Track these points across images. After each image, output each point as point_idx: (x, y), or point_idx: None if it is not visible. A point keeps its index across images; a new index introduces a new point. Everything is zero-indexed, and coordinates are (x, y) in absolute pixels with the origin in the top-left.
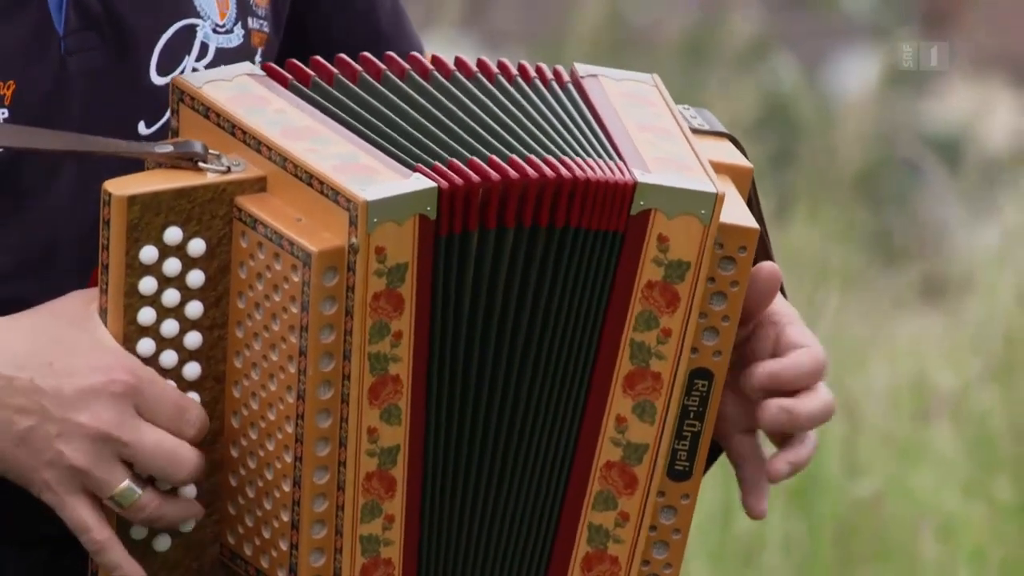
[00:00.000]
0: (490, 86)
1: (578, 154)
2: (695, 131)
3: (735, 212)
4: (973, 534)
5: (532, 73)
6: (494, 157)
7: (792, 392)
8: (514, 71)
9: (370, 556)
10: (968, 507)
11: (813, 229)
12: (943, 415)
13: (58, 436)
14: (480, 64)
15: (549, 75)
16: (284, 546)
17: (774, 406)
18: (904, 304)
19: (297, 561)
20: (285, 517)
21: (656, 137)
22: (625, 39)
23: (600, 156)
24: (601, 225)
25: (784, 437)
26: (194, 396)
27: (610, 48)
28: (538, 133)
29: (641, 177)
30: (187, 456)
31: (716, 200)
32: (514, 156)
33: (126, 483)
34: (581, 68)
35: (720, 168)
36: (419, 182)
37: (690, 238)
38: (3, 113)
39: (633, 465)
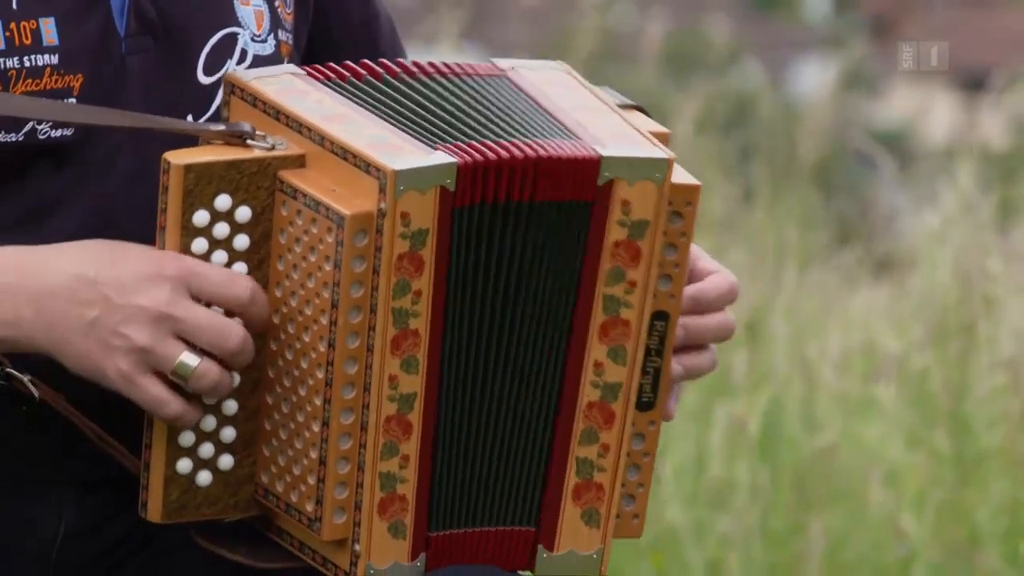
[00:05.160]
0: (459, 82)
1: (547, 136)
2: (619, 106)
3: (677, 173)
4: (915, 480)
5: (478, 70)
6: (501, 140)
7: (710, 312)
8: (460, 70)
9: (387, 491)
10: (910, 456)
11: (775, 214)
12: (889, 376)
13: (122, 321)
14: (432, 65)
15: (485, 71)
16: (312, 480)
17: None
18: (855, 279)
19: (323, 494)
20: (314, 454)
21: (595, 115)
22: (614, 47)
23: (563, 137)
24: (574, 196)
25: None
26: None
27: (601, 55)
28: (513, 120)
29: (604, 152)
30: (235, 329)
31: (668, 164)
32: (515, 139)
33: (184, 354)
34: (501, 62)
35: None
36: (440, 157)
37: (648, 199)
38: (72, 102)
39: (610, 402)
